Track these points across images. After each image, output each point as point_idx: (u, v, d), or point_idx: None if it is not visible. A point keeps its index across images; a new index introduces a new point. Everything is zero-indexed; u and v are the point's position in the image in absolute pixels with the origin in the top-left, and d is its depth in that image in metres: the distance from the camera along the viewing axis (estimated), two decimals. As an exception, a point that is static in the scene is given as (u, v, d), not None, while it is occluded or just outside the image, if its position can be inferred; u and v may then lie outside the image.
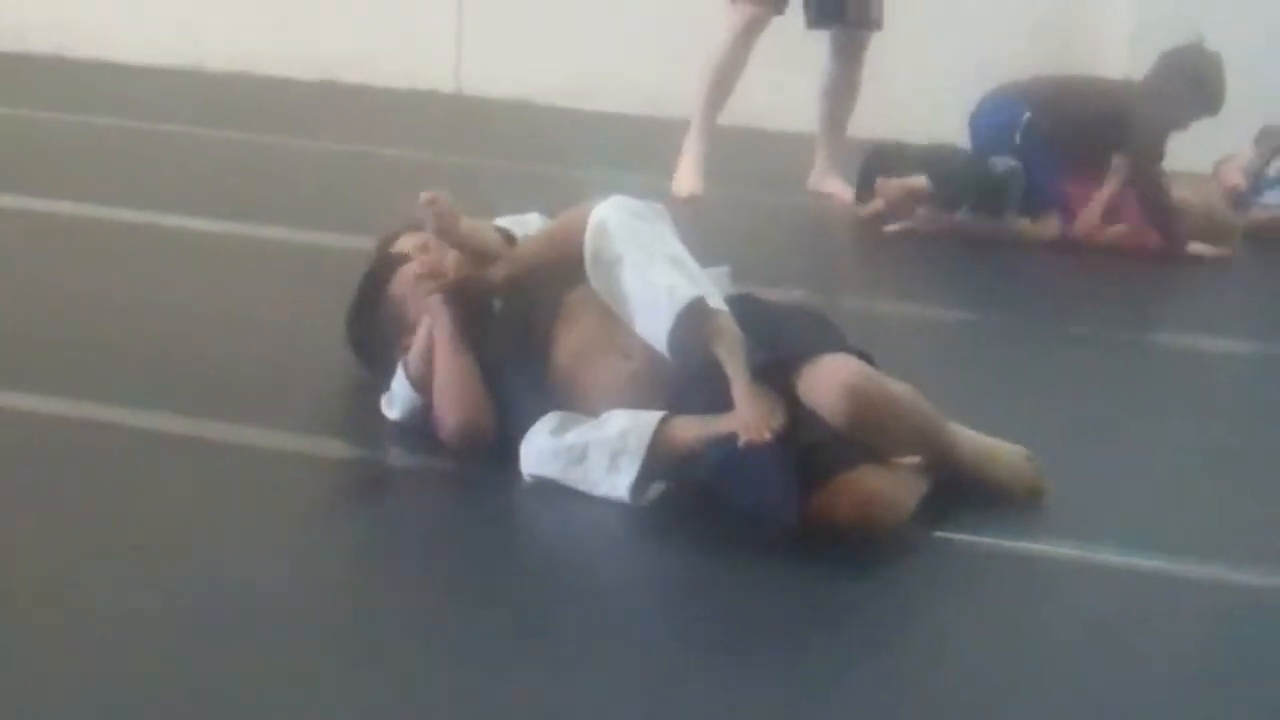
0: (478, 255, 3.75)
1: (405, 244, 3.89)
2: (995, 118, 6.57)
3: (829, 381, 3.24)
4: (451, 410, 3.54)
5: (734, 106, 7.13)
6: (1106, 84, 6.78)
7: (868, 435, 3.29)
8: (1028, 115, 6.47)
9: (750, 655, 2.81)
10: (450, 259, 3.69)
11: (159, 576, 2.92)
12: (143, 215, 5.75)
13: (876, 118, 7.49)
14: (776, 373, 3.29)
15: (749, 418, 3.17)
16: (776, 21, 6.94)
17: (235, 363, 4.18)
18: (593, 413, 3.42)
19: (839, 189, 7.05)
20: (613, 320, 3.44)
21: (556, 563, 3.24)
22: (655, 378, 3.40)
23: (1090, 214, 6.35)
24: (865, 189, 6.65)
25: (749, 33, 7.12)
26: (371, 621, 2.86)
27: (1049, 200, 6.43)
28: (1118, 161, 6.32)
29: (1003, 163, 6.38)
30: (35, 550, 3.01)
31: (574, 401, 3.47)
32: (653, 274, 3.32)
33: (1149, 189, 6.29)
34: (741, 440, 3.15)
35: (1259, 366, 5.04)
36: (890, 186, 6.50)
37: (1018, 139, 6.44)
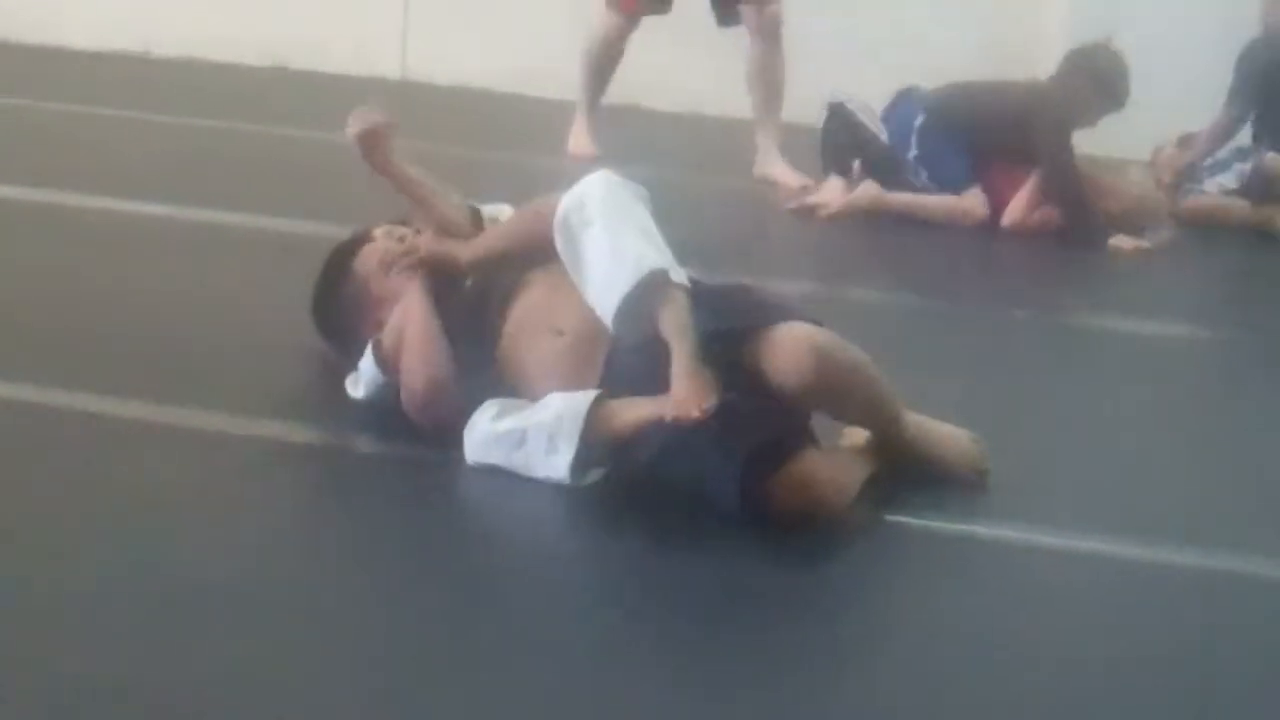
0: (443, 226, 3.81)
1: (374, 232, 3.90)
2: (895, 122, 6.72)
3: (791, 343, 3.21)
4: (420, 368, 3.52)
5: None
6: (1008, 86, 6.87)
7: (826, 398, 3.31)
8: (921, 119, 6.60)
9: (693, 639, 2.81)
10: (424, 237, 3.73)
11: (123, 559, 2.91)
12: (98, 201, 5.71)
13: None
14: (731, 343, 3.26)
15: (682, 395, 3.15)
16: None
17: (195, 348, 4.15)
18: (531, 392, 3.42)
19: (783, 174, 7.08)
20: (555, 296, 3.46)
21: (502, 547, 3.22)
22: (587, 354, 3.40)
23: (1015, 208, 6.42)
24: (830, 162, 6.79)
25: (621, 38, 7.50)
26: (320, 604, 2.84)
27: (960, 183, 6.50)
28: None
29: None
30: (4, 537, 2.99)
31: (515, 379, 3.48)
32: (623, 241, 3.30)
33: (1055, 184, 6.36)
34: (669, 416, 3.14)
35: (1197, 350, 5.08)
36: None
37: (914, 141, 6.55)
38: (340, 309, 3.86)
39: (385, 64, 9.46)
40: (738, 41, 7.31)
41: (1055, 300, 5.57)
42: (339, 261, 3.89)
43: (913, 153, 6.56)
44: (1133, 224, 6.42)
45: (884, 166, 6.61)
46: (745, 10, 7.31)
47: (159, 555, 2.93)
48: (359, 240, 3.90)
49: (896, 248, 6.25)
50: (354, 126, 3.93)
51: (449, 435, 3.44)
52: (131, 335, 4.24)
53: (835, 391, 3.30)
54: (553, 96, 8.55)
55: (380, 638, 2.73)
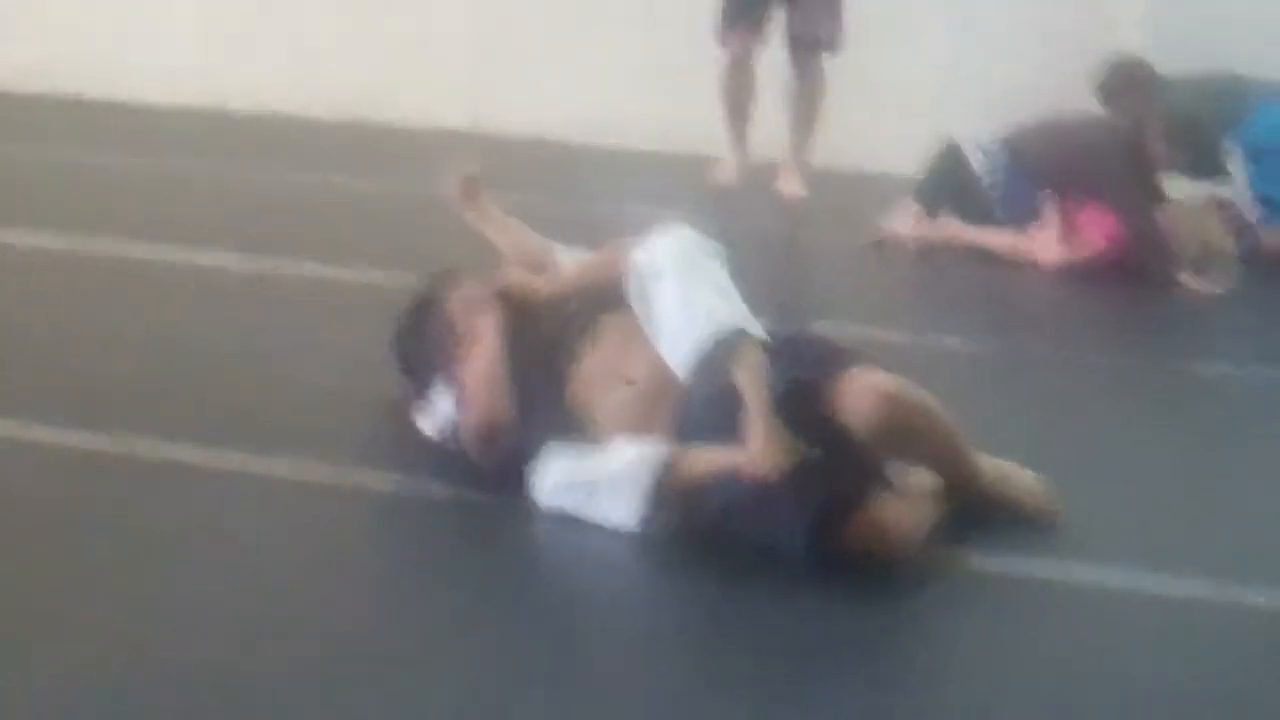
0: (530, 265, 3.92)
1: (460, 277, 3.94)
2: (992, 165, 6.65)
3: (861, 388, 3.24)
4: (479, 409, 3.57)
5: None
6: (1090, 122, 6.77)
7: (897, 441, 3.31)
8: (1006, 160, 6.56)
9: (764, 685, 2.81)
10: (511, 271, 3.84)
11: (190, 590, 2.98)
12: (177, 252, 5.73)
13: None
14: (804, 392, 3.28)
15: (758, 453, 3.18)
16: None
17: (275, 397, 4.20)
18: (601, 437, 3.44)
19: (796, 189, 7.36)
20: (628, 345, 3.47)
21: (572, 593, 3.23)
22: (657, 403, 3.41)
23: (1045, 245, 6.37)
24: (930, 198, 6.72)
25: (740, 71, 7.63)
26: (387, 643, 2.90)
27: (1030, 221, 6.45)
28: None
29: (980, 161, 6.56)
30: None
31: (585, 423, 3.49)
32: (696, 294, 3.32)
33: (1130, 215, 6.28)
34: (745, 473, 3.16)
35: (1264, 390, 5.03)
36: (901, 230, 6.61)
37: (1001, 180, 6.53)
38: (422, 344, 3.90)
39: (454, 116, 9.48)
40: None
41: (1119, 342, 5.52)
42: (427, 298, 3.94)
43: (999, 193, 6.52)
44: (1199, 265, 6.33)
45: (977, 209, 6.57)
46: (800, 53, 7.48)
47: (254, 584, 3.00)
48: (447, 280, 3.94)
49: (958, 287, 6.19)
50: (453, 178, 4.11)
51: (507, 474, 3.48)
52: (211, 384, 4.29)
53: (905, 435, 3.32)
54: (614, 145, 8.59)
55: (459, 671, 2.80)
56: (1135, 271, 6.15)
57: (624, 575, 3.24)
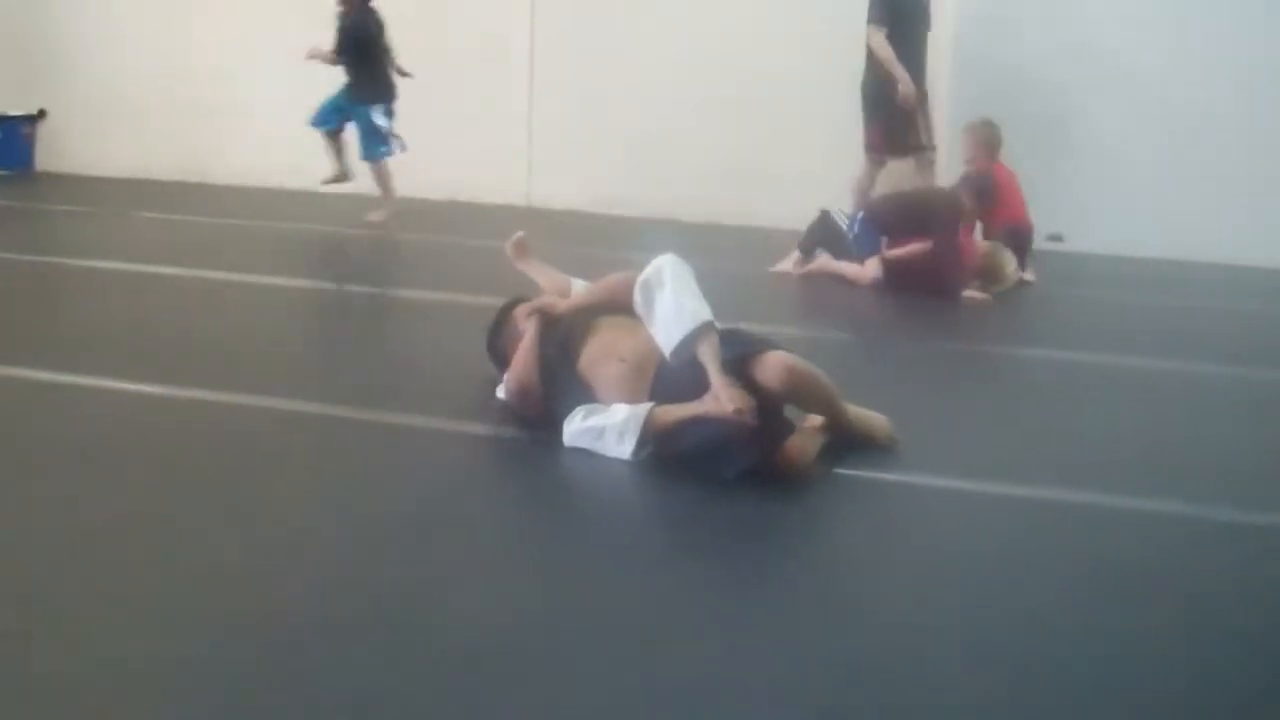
0: (557, 293, 3.92)
1: (519, 299, 3.94)
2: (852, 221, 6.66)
3: (775, 362, 3.24)
4: (515, 379, 3.58)
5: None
6: (917, 191, 6.79)
7: (797, 397, 3.32)
8: (861, 215, 6.57)
9: (715, 551, 2.81)
10: (544, 298, 3.82)
11: (342, 501, 2.94)
12: (349, 286, 5.71)
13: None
14: (737, 363, 3.27)
15: (727, 396, 3.15)
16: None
17: (404, 372, 4.18)
18: (603, 399, 3.41)
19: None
20: (618, 335, 3.46)
21: (590, 497, 3.20)
22: (641, 376, 3.39)
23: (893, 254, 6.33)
24: (807, 248, 6.69)
25: (870, 176, 7.39)
26: (474, 520, 2.91)
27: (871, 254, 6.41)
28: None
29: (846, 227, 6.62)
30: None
31: (591, 390, 3.46)
32: (683, 299, 3.33)
33: (936, 249, 6.20)
34: (730, 410, 3.12)
35: (1028, 361, 4.98)
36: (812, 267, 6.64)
37: (856, 229, 6.51)
38: (501, 342, 3.88)
39: (515, 194, 9.40)
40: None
41: (934, 332, 5.46)
42: (502, 313, 3.94)
43: (853, 235, 6.50)
44: (987, 282, 6.28)
45: (839, 247, 6.55)
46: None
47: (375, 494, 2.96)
48: (514, 303, 3.94)
49: (828, 300, 6.14)
50: (511, 241, 4.21)
51: (539, 424, 3.49)
52: (363, 366, 4.24)
53: (802, 393, 3.33)
54: (623, 215, 8.55)
55: (520, 541, 2.78)
56: (936, 287, 6.07)
57: (623, 486, 3.19)
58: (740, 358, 3.28)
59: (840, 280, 6.40)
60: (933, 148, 7.50)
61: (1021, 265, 6.71)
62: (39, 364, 4.00)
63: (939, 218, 6.23)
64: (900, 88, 7.11)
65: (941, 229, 6.20)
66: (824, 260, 6.58)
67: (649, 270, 3.40)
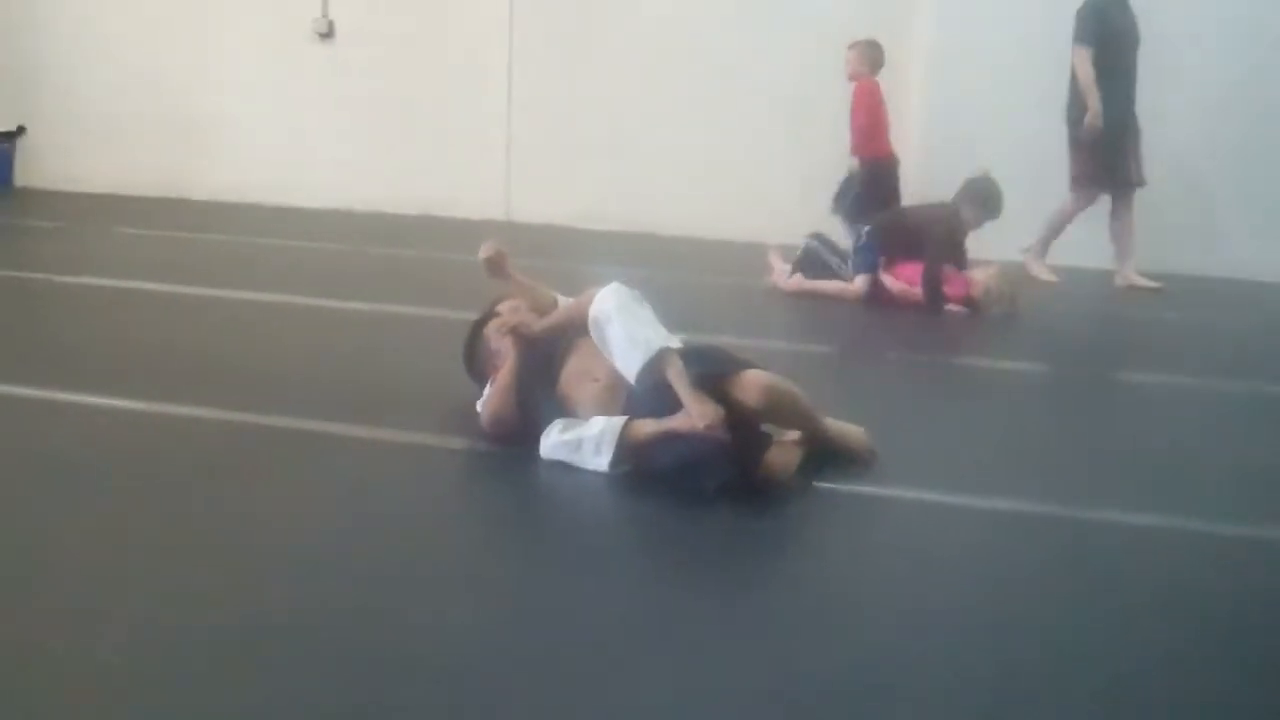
0: (535, 305, 3.84)
1: (500, 306, 3.91)
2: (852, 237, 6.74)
3: (754, 383, 3.24)
4: (489, 410, 3.55)
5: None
6: (919, 209, 6.74)
7: (775, 414, 3.31)
8: (866, 230, 6.54)
9: (691, 565, 2.78)
10: (519, 314, 3.73)
11: (319, 516, 2.90)
12: (328, 301, 5.70)
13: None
14: (713, 382, 3.27)
15: (699, 412, 3.16)
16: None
17: (382, 390, 4.13)
18: (580, 415, 3.40)
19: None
20: (593, 356, 3.44)
21: (567, 509, 3.17)
22: (614, 393, 3.38)
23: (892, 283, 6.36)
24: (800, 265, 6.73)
25: (1077, 212, 7.10)
26: (457, 531, 2.89)
27: (866, 270, 6.44)
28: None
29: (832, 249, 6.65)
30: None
31: (568, 407, 3.45)
32: (634, 330, 3.31)
33: (928, 270, 6.24)
34: (703, 425, 3.13)
35: (1008, 374, 4.99)
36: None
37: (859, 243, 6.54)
38: (476, 355, 3.88)
39: (494, 209, 9.42)
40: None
41: (913, 346, 5.48)
42: (477, 327, 3.92)
43: (856, 247, 6.54)
44: (985, 302, 6.28)
45: (824, 269, 6.59)
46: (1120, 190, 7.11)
47: (371, 506, 2.93)
48: (487, 315, 3.92)
49: (815, 316, 6.16)
50: (484, 251, 4.04)
51: (520, 441, 3.44)
52: (343, 381, 4.21)
53: (780, 410, 3.32)
54: (602, 229, 8.55)
55: (495, 552, 2.73)
56: (921, 304, 6.14)
57: (601, 500, 3.17)
58: (717, 376, 3.28)
59: (824, 298, 6.44)
60: (1141, 183, 7.04)
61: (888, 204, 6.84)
62: (17, 379, 3.97)
63: (934, 241, 6.28)
64: (1088, 117, 6.75)
65: (935, 252, 6.25)
66: (800, 279, 6.63)
67: (594, 308, 3.38)
